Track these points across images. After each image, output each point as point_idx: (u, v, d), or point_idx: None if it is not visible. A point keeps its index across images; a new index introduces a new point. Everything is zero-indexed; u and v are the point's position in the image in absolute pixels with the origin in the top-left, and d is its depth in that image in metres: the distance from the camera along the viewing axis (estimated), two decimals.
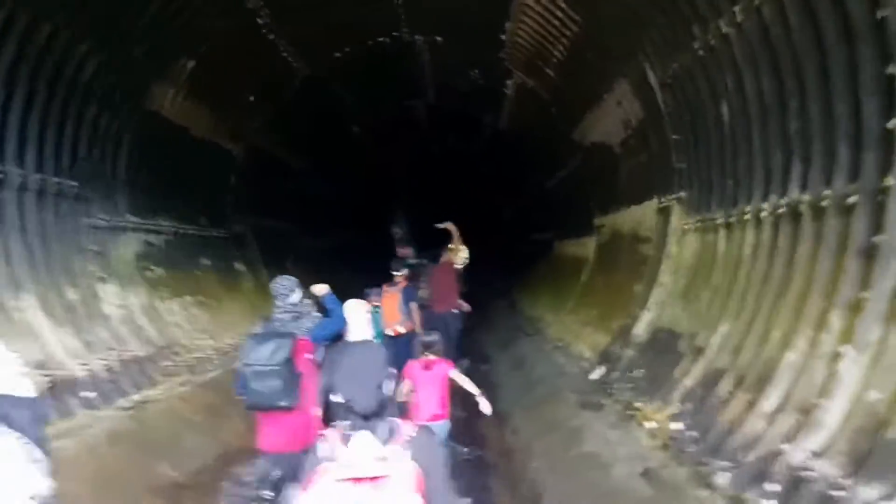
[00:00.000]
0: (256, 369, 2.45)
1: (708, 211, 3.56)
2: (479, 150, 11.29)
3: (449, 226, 6.13)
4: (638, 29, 3.97)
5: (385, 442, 1.22)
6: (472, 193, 14.48)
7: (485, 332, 8.44)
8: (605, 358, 4.37)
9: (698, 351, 3.09)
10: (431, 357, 3.07)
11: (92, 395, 3.19)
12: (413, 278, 5.33)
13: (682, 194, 4.01)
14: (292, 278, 2.87)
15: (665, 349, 3.54)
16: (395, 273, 4.93)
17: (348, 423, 1.27)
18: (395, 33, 6.31)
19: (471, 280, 9.55)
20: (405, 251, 6.79)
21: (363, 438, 1.21)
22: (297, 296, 2.81)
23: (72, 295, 3.49)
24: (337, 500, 1.12)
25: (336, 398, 1.36)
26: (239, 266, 6.43)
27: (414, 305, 4.88)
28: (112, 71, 3.89)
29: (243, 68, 5.46)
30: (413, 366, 3.09)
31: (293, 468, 2.19)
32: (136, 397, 3.50)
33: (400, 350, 4.03)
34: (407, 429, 1.28)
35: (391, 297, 4.76)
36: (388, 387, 1.35)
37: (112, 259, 4.13)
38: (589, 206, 6.58)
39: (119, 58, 3.91)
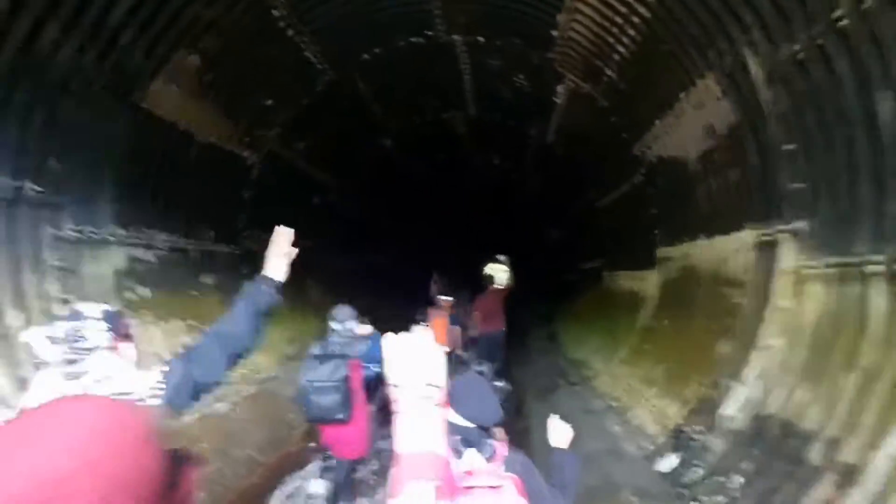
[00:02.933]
0: (317, 385, 2.86)
1: (848, 251, 2.46)
2: (522, 166, 10.37)
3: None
4: (736, 4, 2.99)
5: (488, 459, 1.43)
6: (514, 214, 13.54)
7: (521, 368, 7.38)
8: (678, 441, 3.27)
9: (849, 472, 1.98)
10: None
11: None
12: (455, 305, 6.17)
13: (799, 225, 2.92)
14: (349, 307, 3.22)
15: (781, 452, 2.43)
16: (443, 298, 5.84)
17: (458, 438, 1.44)
18: (429, 32, 5.60)
19: (509, 306, 8.67)
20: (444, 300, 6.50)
21: (473, 453, 1.42)
22: (352, 323, 3.15)
23: (13, 320, 2.89)
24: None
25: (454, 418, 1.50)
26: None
27: (456, 328, 5.73)
28: (93, 60, 3.36)
29: (258, 68, 4.91)
30: None
31: (348, 473, 3.22)
32: None
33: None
34: (503, 449, 1.49)
35: (440, 322, 5.41)
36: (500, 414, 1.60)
37: (84, 277, 3.55)
38: (651, 234, 5.49)
39: (103, 46, 3.38)
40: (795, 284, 2.89)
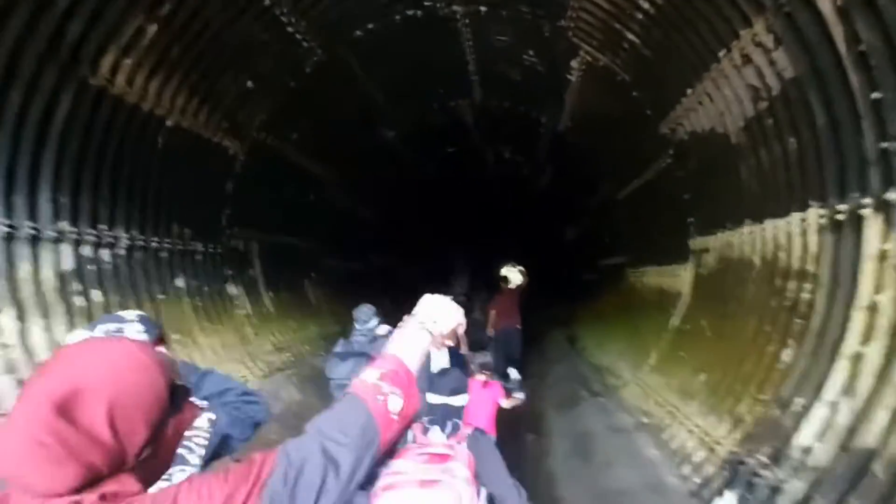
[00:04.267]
0: (338, 383, 3.00)
1: None
2: (535, 159, 9.71)
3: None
4: None
5: (448, 435, 1.73)
6: (528, 211, 12.87)
7: (538, 376, 6.73)
8: (735, 474, 2.58)
9: None
10: (486, 377, 3.53)
11: None
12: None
13: (893, 196, 2.23)
14: (372, 307, 3.34)
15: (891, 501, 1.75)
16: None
17: (428, 418, 1.83)
18: (426, 2, 5.03)
19: (525, 307, 8.33)
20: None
21: (436, 430, 1.75)
22: (374, 322, 3.28)
23: None
24: (418, 467, 1.54)
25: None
26: (232, 289, 5.31)
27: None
28: (24, 24, 2.86)
29: (235, 45, 4.40)
30: (474, 383, 3.36)
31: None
32: None
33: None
34: (466, 429, 1.77)
35: None
36: (465, 397, 2.02)
37: (18, 280, 3.05)
38: (683, 223, 4.79)
39: (34, 8, 2.88)
40: (889, 273, 2.21)
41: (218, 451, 1.30)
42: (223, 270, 5.27)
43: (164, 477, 0.84)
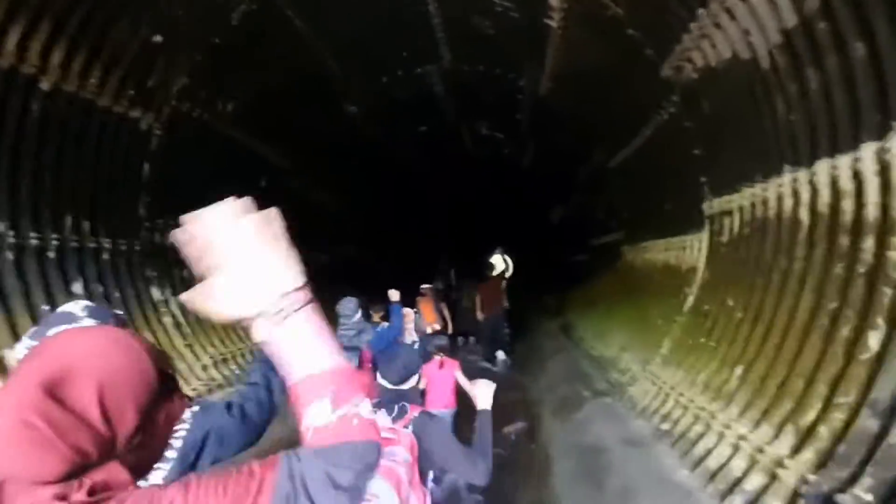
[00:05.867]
0: None
1: None
2: (515, 134, 8.88)
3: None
4: None
5: (394, 419, 1.67)
6: (509, 194, 12.06)
7: (532, 373, 5.94)
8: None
9: None
10: (442, 357, 3.66)
11: None
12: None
13: None
14: (355, 299, 3.45)
15: None
16: (424, 287, 6.89)
17: (375, 401, 1.74)
18: None
19: (512, 296, 7.90)
20: (425, 287, 7.29)
21: (381, 413, 1.68)
22: (359, 314, 3.42)
23: None
24: None
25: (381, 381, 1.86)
26: (156, 293, 4.37)
27: (443, 306, 7.34)
28: None
29: None
30: (430, 366, 3.57)
31: None
32: None
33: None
34: (412, 412, 1.69)
35: (426, 305, 6.56)
36: (415, 380, 1.90)
37: None
38: (692, 185, 4.01)
39: None
40: None
41: (217, 455, 1.18)
42: (143, 271, 4.33)
43: None
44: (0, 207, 3.16)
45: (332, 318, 3.29)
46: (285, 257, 0.73)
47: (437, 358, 3.63)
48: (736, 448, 2.43)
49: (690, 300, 3.79)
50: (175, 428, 1.05)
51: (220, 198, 0.76)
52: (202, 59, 4.43)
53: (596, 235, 7.90)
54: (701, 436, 2.75)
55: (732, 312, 3.17)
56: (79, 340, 0.71)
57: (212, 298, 0.70)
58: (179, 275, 4.67)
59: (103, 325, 0.86)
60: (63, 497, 0.59)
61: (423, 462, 1.58)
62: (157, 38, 3.97)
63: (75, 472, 0.62)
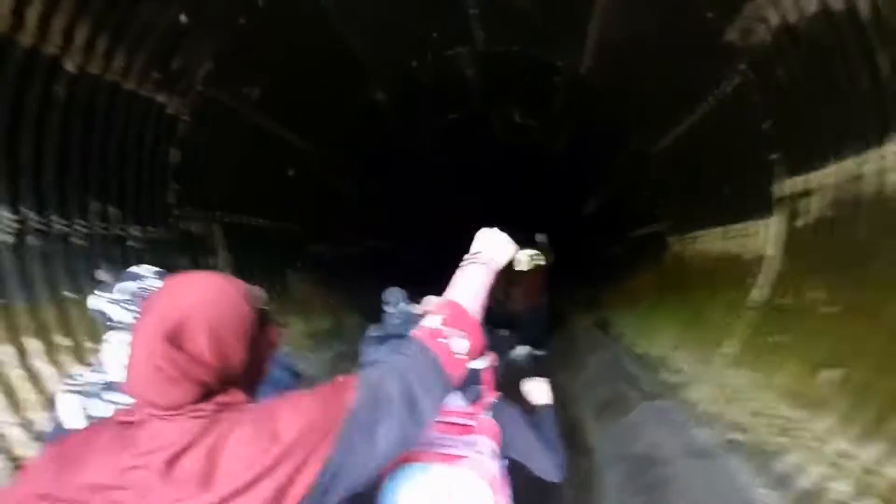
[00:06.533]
0: None
1: None
2: (550, 120, 8.47)
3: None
4: None
5: (472, 402, 1.57)
6: (542, 183, 11.63)
7: (565, 367, 5.61)
8: None
9: None
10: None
11: None
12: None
13: None
14: (400, 290, 3.30)
15: None
16: None
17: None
18: None
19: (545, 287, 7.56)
20: None
21: (456, 395, 1.55)
22: (404, 304, 3.29)
23: None
24: (439, 438, 1.42)
25: None
26: None
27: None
28: None
29: None
30: None
31: None
32: None
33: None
34: (489, 397, 1.62)
35: None
36: (487, 360, 1.86)
37: None
38: (760, 164, 3.58)
39: None
40: None
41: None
42: (172, 260, 4.22)
43: None
44: (25, 192, 3.07)
45: (376, 308, 3.28)
46: (508, 252, 1.20)
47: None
48: (836, 467, 2.06)
49: (758, 293, 3.38)
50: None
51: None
52: (229, 42, 4.27)
53: (634, 227, 7.44)
54: (786, 450, 2.38)
55: (816, 307, 2.77)
56: (189, 292, 0.84)
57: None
58: (210, 264, 4.56)
59: (210, 274, 0.93)
60: (196, 411, 0.79)
61: (503, 451, 1.50)
62: (183, 19, 3.82)
63: (201, 398, 0.80)
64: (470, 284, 1.05)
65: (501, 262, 1.13)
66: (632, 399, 3.85)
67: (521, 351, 7.13)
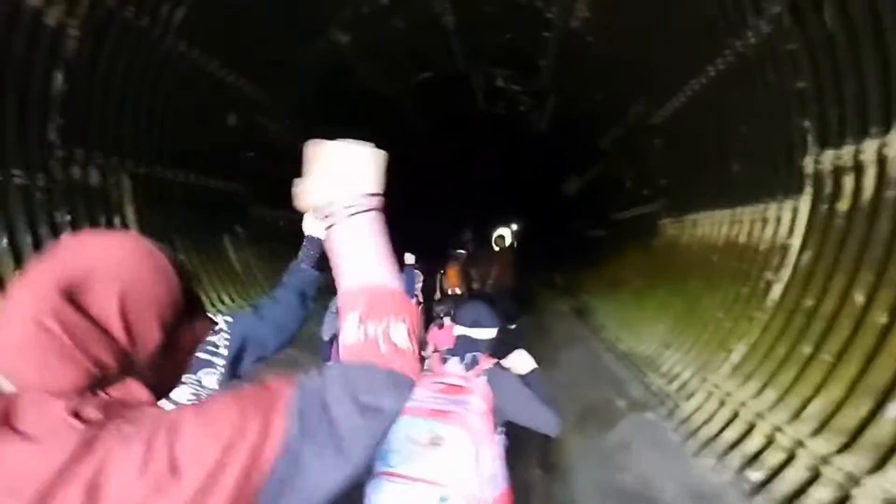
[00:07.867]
0: None
1: None
2: (536, 83, 7.67)
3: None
4: None
5: (468, 368, 1.66)
6: (522, 157, 10.90)
7: (543, 365, 4.98)
8: None
9: None
10: (441, 321, 3.72)
11: None
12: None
13: None
14: None
15: None
16: (457, 252, 7.37)
17: (446, 349, 1.77)
18: None
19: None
20: (458, 252, 7.62)
21: (455, 361, 1.69)
22: None
23: None
24: (431, 396, 1.53)
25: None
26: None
27: (474, 272, 7.54)
28: None
29: None
30: (432, 330, 3.74)
31: None
32: None
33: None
34: (485, 363, 1.67)
35: (453, 268, 6.89)
36: (491, 332, 1.81)
37: None
38: (786, 135, 2.94)
39: None
40: None
41: (259, 355, 1.25)
42: (53, 215, 3.32)
43: (191, 380, 0.91)
44: None
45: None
46: (374, 168, 0.70)
47: (436, 322, 3.77)
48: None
49: (779, 290, 2.78)
50: (213, 339, 1.15)
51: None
52: None
53: (621, 207, 6.84)
54: (811, 484, 1.79)
55: (858, 312, 2.17)
56: (101, 243, 0.63)
57: (302, 188, 0.70)
58: (113, 223, 3.68)
59: (136, 234, 0.69)
60: (76, 413, 0.53)
61: (495, 414, 1.54)
62: None
63: (91, 385, 0.57)
64: (356, 252, 0.67)
65: (374, 183, 0.69)
66: (617, 409, 3.26)
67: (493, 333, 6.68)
